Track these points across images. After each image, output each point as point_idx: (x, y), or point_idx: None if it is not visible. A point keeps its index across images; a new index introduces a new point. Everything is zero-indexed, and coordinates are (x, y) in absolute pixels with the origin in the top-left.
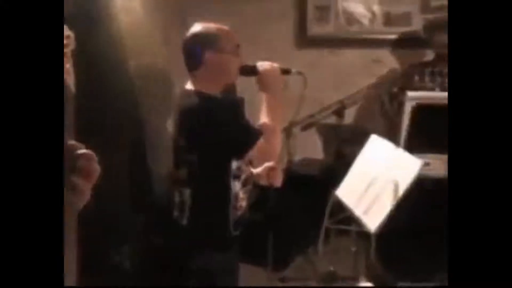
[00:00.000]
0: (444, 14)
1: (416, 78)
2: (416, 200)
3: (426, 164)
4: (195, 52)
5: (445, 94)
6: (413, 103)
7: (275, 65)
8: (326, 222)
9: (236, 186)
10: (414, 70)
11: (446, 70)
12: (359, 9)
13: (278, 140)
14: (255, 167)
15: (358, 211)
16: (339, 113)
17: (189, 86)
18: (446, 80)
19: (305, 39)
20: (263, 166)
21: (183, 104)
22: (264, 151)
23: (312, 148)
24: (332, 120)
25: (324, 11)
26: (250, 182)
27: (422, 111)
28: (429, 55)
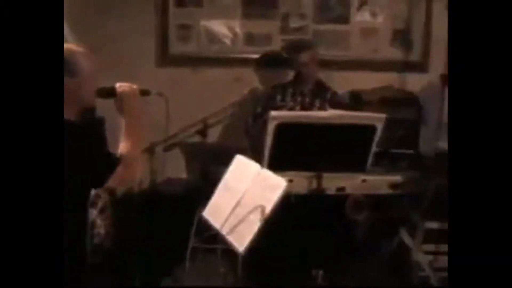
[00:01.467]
0: (302, 35)
1: (279, 97)
2: (281, 216)
3: (290, 181)
4: None
5: (305, 113)
6: (275, 122)
7: (134, 86)
8: (192, 242)
9: (93, 213)
10: (277, 90)
11: (306, 90)
12: (220, 29)
13: (138, 163)
14: (115, 192)
15: (225, 232)
16: (202, 132)
17: None
18: (306, 99)
19: (167, 58)
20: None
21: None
22: (123, 176)
23: (176, 168)
24: (196, 139)
25: (186, 30)
26: (108, 208)
27: (284, 130)
28: (290, 75)
